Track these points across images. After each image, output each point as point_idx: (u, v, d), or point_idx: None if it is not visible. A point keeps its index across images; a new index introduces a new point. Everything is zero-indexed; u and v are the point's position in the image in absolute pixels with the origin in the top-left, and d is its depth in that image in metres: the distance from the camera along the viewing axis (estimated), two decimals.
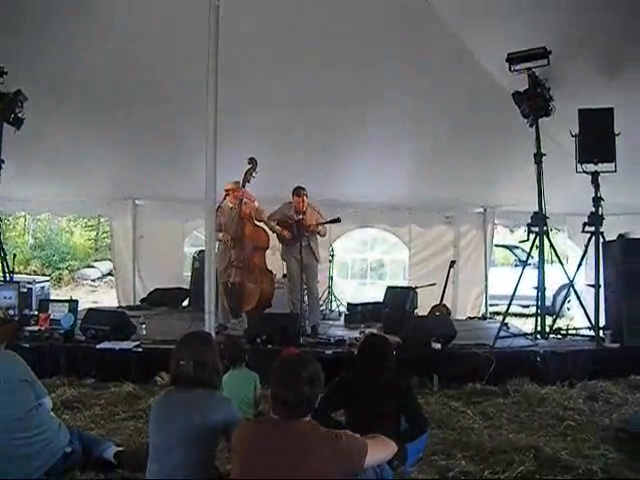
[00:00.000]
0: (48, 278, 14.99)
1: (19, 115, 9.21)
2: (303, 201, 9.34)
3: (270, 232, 9.60)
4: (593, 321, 8.79)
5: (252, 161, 9.25)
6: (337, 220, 9.63)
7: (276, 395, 3.37)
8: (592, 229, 8.73)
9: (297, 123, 10.17)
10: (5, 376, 4.37)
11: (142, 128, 10.32)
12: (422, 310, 10.78)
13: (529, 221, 8.98)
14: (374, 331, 9.23)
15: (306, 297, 9.69)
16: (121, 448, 4.95)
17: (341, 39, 8.68)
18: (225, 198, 9.46)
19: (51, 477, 4.41)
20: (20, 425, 4.32)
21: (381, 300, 11.09)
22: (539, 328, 9.04)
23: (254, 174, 9.27)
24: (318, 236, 9.66)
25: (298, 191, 9.33)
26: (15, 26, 8.14)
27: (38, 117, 9.37)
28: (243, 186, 9.30)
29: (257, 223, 9.52)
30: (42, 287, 12.09)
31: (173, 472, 3.73)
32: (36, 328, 8.28)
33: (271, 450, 3.27)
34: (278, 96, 9.58)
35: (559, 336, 9.09)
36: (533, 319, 9.43)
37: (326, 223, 9.60)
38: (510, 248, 17.57)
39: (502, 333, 8.75)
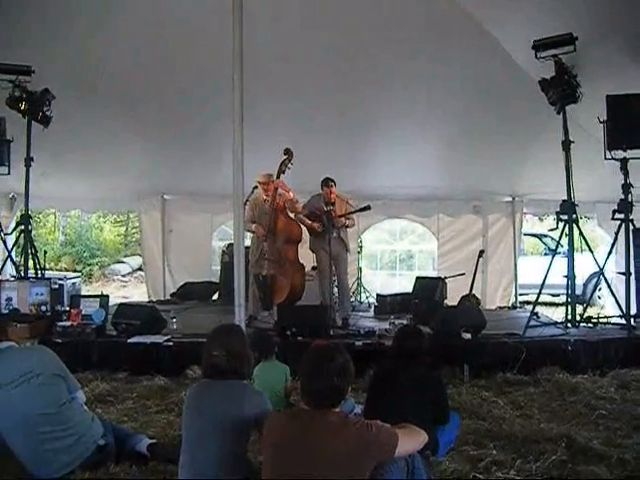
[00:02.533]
0: (79, 274, 15.20)
1: (47, 113, 9.36)
2: (332, 192, 9.35)
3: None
4: (624, 309, 8.71)
5: (288, 152, 9.17)
6: (367, 208, 9.55)
7: (306, 385, 3.39)
8: (622, 216, 8.64)
9: (325, 115, 10.21)
10: (39, 370, 4.43)
11: (170, 123, 10.41)
12: (451, 300, 10.74)
13: (558, 209, 8.90)
14: (405, 322, 9.22)
15: (336, 289, 9.71)
16: (154, 441, 4.99)
17: (365, 27, 8.70)
18: (253, 191, 9.45)
19: (85, 470, 4.45)
20: (53, 419, 4.38)
21: (410, 291, 11.08)
22: (569, 317, 8.97)
23: (289, 165, 9.20)
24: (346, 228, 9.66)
25: (327, 182, 9.36)
26: (42, 24, 8.24)
27: (66, 115, 9.48)
28: (277, 177, 9.23)
29: (290, 215, 9.49)
30: (73, 283, 12.26)
31: (206, 464, 3.77)
32: (68, 324, 8.33)
33: (302, 441, 3.29)
34: (305, 88, 9.61)
35: (590, 325, 8.97)
36: (563, 308, 9.36)
37: (356, 212, 9.55)
38: (539, 237, 17.45)
39: (532, 322, 8.70)
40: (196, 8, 8.33)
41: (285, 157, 9.18)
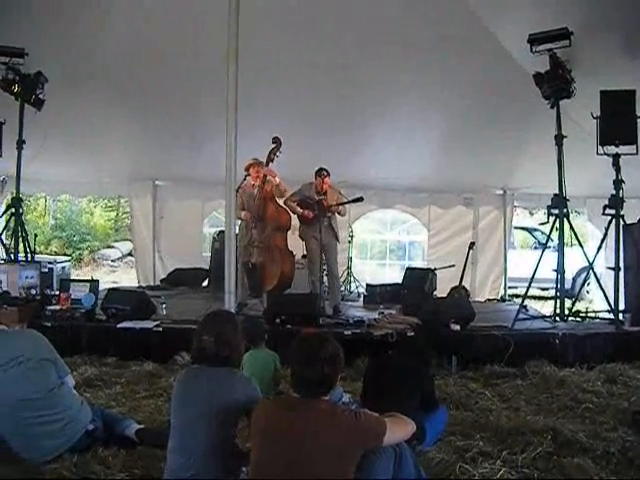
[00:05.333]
0: (69, 258, 15.10)
1: (40, 96, 9.34)
2: (324, 182, 9.33)
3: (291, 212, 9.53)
4: (612, 304, 8.73)
5: (276, 140, 9.14)
6: (360, 199, 9.46)
7: (296, 373, 3.40)
8: (613, 212, 8.65)
9: (318, 105, 10.20)
10: (29, 355, 4.43)
11: (162, 109, 10.40)
12: (441, 291, 10.77)
13: (549, 203, 8.93)
14: (394, 312, 9.26)
15: (326, 277, 9.71)
16: (142, 426, 4.99)
17: (360, 19, 8.69)
18: (245, 178, 9.42)
19: (73, 454, 4.44)
20: (42, 403, 4.38)
21: (400, 281, 11.10)
22: (558, 310, 9.02)
23: (278, 154, 9.16)
24: (338, 215, 9.63)
25: (320, 172, 9.33)
26: (36, 8, 8.19)
27: (59, 98, 9.45)
28: (266, 165, 9.19)
29: (279, 202, 9.44)
30: (63, 267, 12.23)
31: (194, 449, 3.76)
32: (57, 307, 8.30)
33: (290, 428, 3.30)
34: (299, 77, 9.59)
35: (578, 319, 9.03)
36: (552, 302, 9.42)
37: (348, 202, 9.48)
38: (530, 230, 17.50)
39: (521, 315, 8.72)
40: None
41: (273, 146, 9.15)
